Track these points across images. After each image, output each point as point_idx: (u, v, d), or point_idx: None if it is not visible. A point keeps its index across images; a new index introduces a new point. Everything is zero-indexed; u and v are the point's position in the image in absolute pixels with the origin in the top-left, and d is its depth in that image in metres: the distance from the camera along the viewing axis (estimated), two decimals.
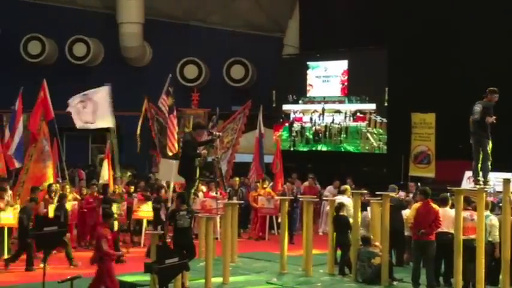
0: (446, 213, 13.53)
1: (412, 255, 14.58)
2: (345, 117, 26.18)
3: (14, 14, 31.34)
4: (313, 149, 27.27)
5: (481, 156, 13.17)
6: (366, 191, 16.27)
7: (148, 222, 18.99)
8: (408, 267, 15.04)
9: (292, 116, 27.77)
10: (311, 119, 27.23)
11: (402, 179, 22.71)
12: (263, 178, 21.51)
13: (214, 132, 15.23)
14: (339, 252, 15.46)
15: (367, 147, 25.63)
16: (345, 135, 26.19)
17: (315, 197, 18.57)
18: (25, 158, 19.07)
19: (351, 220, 15.08)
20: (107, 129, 26.60)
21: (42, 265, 15.55)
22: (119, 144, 28.59)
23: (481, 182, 13.25)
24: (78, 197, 18.67)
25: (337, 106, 26.55)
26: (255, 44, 31.47)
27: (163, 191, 19.07)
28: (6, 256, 15.86)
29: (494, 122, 13.08)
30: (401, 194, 17.14)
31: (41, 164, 18.67)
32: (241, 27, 32.37)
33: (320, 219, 21.55)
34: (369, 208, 15.70)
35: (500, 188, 14.05)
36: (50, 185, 18.01)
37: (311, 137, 27.26)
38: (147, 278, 12.63)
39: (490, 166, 13.28)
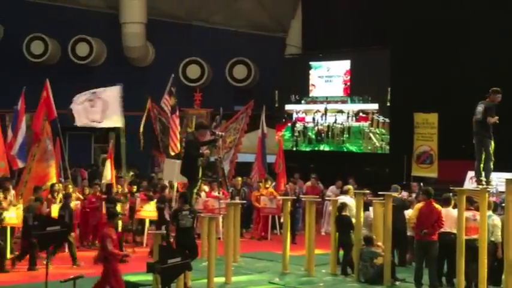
0: (449, 213, 13.54)
1: (414, 255, 14.58)
2: (348, 117, 26.15)
3: (16, 14, 31.34)
4: (316, 149, 27.25)
5: (483, 157, 13.17)
6: (368, 191, 16.27)
7: (151, 222, 19.02)
8: (411, 267, 15.06)
9: (294, 116, 27.74)
10: (313, 119, 27.20)
11: (405, 179, 22.70)
12: (265, 178, 21.54)
13: (217, 132, 15.26)
14: (341, 252, 15.47)
15: (369, 147, 25.61)
16: (347, 135, 26.17)
17: (318, 197, 18.57)
18: (28, 158, 19.10)
19: (353, 220, 15.08)
20: (110, 129, 26.68)
21: (45, 261, 15.74)
22: (120, 144, 28.65)
23: (484, 182, 13.25)
24: (80, 196, 18.68)
25: (339, 106, 26.52)
26: (257, 44, 31.45)
27: (167, 190, 19.11)
28: (8, 256, 15.87)
29: (497, 122, 13.08)
30: (404, 194, 17.14)
31: (44, 164, 18.70)
32: (243, 27, 32.36)
33: (322, 219, 21.56)
34: (371, 208, 15.71)
35: (502, 188, 14.04)
36: (52, 185, 18.04)
37: (313, 137, 27.24)
38: (149, 277, 12.67)
39: (492, 166, 13.28)
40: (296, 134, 27.67)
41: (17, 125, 19.79)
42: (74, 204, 17.69)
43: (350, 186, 17.47)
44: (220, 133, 15.28)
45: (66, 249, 16.58)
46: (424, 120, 23.29)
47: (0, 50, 31.74)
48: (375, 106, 25.32)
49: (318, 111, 27.12)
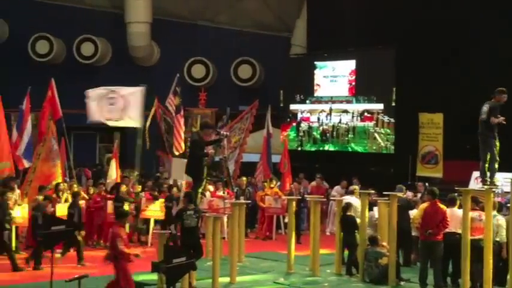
0: (454, 214, 13.52)
1: (419, 256, 14.57)
2: (353, 117, 26.11)
3: (22, 13, 31.40)
4: (321, 148, 27.23)
5: (488, 157, 13.15)
6: (373, 191, 16.25)
7: (156, 221, 19.04)
8: (415, 267, 15.04)
9: (299, 115, 27.73)
10: (318, 118, 27.18)
11: (409, 179, 22.68)
12: (270, 178, 21.54)
13: (222, 132, 15.28)
14: (346, 252, 15.46)
15: (374, 147, 25.58)
16: (352, 135, 26.14)
17: (322, 196, 18.57)
18: (33, 157, 19.12)
19: (358, 220, 15.07)
20: (115, 129, 26.71)
21: (59, 254, 15.78)
22: (125, 144, 28.70)
23: (489, 183, 13.23)
24: (85, 196, 18.69)
25: (344, 106, 26.50)
26: (262, 43, 31.45)
27: (175, 189, 19.14)
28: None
29: (504, 122, 13.05)
30: (409, 194, 17.11)
31: (50, 163, 18.72)
32: (248, 27, 32.37)
33: (327, 219, 21.55)
34: (375, 208, 15.70)
35: (508, 189, 14.03)
36: (57, 184, 18.05)
37: (318, 136, 27.22)
38: (154, 277, 12.68)
39: (497, 167, 13.26)
40: (301, 133, 27.64)
41: (22, 124, 19.81)
42: (80, 203, 17.71)
43: (356, 187, 17.47)
44: (225, 133, 15.30)
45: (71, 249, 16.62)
46: (429, 120, 23.26)
47: (5, 49, 31.83)
48: (379, 106, 25.29)
49: (322, 111, 27.10)
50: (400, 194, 15.29)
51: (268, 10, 32.31)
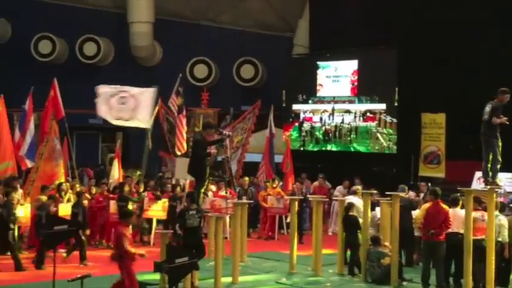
0: (457, 214, 13.52)
1: (421, 256, 14.56)
2: (355, 117, 26.11)
3: (24, 13, 31.44)
4: (323, 148, 27.22)
5: (491, 157, 13.15)
6: (375, 191, 16.25)
7: (158, 221, 19.06)
8: (418, 267, 15.03)
9: (302, 115, 27.72)
10: (321, 118, 27.17)
11: (412, 179, 22.66)
12: (273, 178, 21.54)
13: (224, 132, 15.25)
14: (348, 252, 15.45)
15: (377, 147, 25.57)
16: (354, 135, 26.14)
17: (325, 196, 18.57)
18: (36, 157, 19.14)
19: (360, 220, 15.07)
20: (117, 129, 26.69)
21: (65, 254, 15.76)
22: (127, 144, 28.70)
23: (490, 183, 13.24)
24: (87, 196, 18.71)
25: (347, 106, 26.49)
26: (265, 43, 31.45)
27: (178, 188, 19.15)
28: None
29: (507, 123, 13.05)
30: (411, 194, 17.11)
31: (53, 163, 18.74)
32: (251, 27, 32.37)
33: (330, 219, 21.55)
34: (377, 208, 15.70)
35: (510, 189, 14.04)
36: (60, 184, 18.08)
37: (321, 136, 27.21)
38: (157, 277, 12.68)
39: (498, 167, 13.26)
40: (303, 133, 27.65)
41: (24, 124, 19.82)
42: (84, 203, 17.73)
43: (359, 187, 17.42)
44: (227, 133, 15.28)
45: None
46: (432, 121, 23.24)
47: (8, 49, 31.89)
48: (382, 106, 25.28)
49: (325, 111, 27.09)
50: (402, 194, 15.28)
51: (270, 10, 32.32)
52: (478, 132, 13.37)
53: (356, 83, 26.25)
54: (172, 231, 14.06)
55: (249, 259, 16.44)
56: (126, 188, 18.74)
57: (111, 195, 18.65)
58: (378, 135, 25.36)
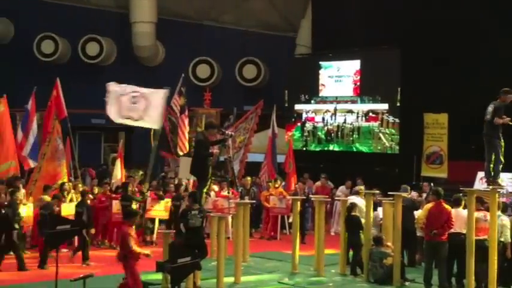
0: (459, 214, 13.51)
1: (424, 256, 14.56)
2: (357, 117, 26.09)
3: (27, 13, 31.49)
4: (325, 149, 27.21)
5: (493, 157, 13.15)
6: (378, 191, 16.25)
7: (161, 221, 19.06)
8: (420, 267, 15.03)
9: (304, 115, 27.70)
10: (323, 118, 27.16)
11: (414, 180, 22.63)
12: (275, 178, 21.55)
13: (227, 132, 15.26)
14: (351, 252, 15.45)
15: (379, 147, 25.56)
16: (357, 135, 26.12)
17: (327, 196, 18.56)
18: (38, 157, 19.15)
19: (363, 220, 15.07)
20: (120, 129, 26.72)
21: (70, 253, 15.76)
22: (130, 143, 28.72)
23: (492, 183, 13.23)
24: (90, 196, 18.72)
25: (349, 106, 26.48)
26: (267, 43, 31.47)
27: (182, 188, 19.14)
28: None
29: (510, 123, 13.04)
30: (414, 194, 17.10)
31: (55, 163, 18.75)
32: (253, 27, 32.38)
33: (332, 219, 21.55)
34: (379, 208, 15.70)
35: None
36: (62, 184, 18.09)
37: (323, 136, 27.20)
38: (159, 277, 12.68)
39: (500, 167, 13.25)
40: (306, 133, 27.63)
41: (27, 124, 19.80)
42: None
43: (362, 187, 17.40)
44: (229, 132, 15.29)
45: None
46: (434, 121, 23.22)
47: (11, 49, 31.95)
48: (384, 106, 25.27)
49: (327, 111, 27.08)
50: (404, 194, 15.27)
51: (273, 10, 32.32)
52: (480, 133, 13.37)
53: (358, 83, 26.24)
54: (174, 230, 14.08)
55: (251, 259, 16.44)
56: (130, 188, 18.76)
57: (114, 195, 18.65)
58: (380, 135, 25.35)
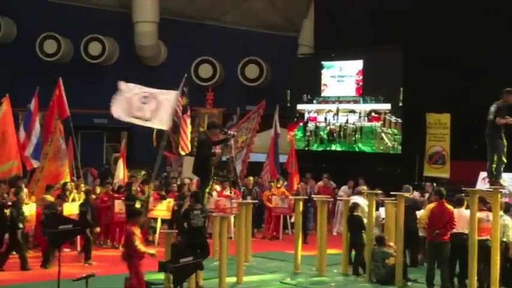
0: (462, 214, 13.51)
1: (426, 256, 14.56)
2: (360, 117, 26.07)
3: (29, 13, 31.49)
4: (328, 148, 27.20)
5: (495, 158, 13.14)
6: (380, 191, 16.24)
7: (163, 221, 19.07)
8: (422, 267, 15.03)
9: (306, 115, 27.69)
10: (325, 118, 27.14)
11: (416, 180, 22.63)
12: (277, 178, 21.55)
13: (229, 132, 15.26)
14: (353, 252, 15.45)
15: (381, 147, 25.54)
16: (359, 135, 26.10)
17: (329, 196, 18.56)
18: (41, 156, 19.15)
19: (365, 220, 15.06)
20: (122, 129, 26.73)
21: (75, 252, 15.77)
22: (132, 143, 28.73)
23: (495, 183, 13.23)
24: (92, 195, 18.72)
25: (351, 106, 26.46)
26: (269, 43, 31.46)
27: (186, 187, 19.14)
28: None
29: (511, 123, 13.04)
30: (416, 194, 17.10)
31: (58, 162, 18.76)
32: (256, 27, 32.38)
33: (334, 219, 21.55)
34: (381, 208, 15.70)
35: None
36: (64, 184, 18.09)
37: (325, 136, 27.18)
38: (161, 276, 12.69)
39: (502, 167, 13.25)
40: (308, 133, 27.62)
41: (30, 124, 19.80)
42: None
43: (364, 187, 17.39)
44: (232, 132, 15.29)
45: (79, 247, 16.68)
46: (437, 121, 23.21)
47: (13, 48, 31.95)
48: (387, 106, 25.25)
49: (330, 111, 27.07)
50: (407, 194, 15.27)
51: (275, 10, 32.32)
52: (483, 133, 13.37)
53: (361, 83, 26.22)
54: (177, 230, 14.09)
55: (253, 259, 16.45)
56: (133, 188, 18.77)
57: (116, 195, 18.66)
58: (383, 135, 25.33)
